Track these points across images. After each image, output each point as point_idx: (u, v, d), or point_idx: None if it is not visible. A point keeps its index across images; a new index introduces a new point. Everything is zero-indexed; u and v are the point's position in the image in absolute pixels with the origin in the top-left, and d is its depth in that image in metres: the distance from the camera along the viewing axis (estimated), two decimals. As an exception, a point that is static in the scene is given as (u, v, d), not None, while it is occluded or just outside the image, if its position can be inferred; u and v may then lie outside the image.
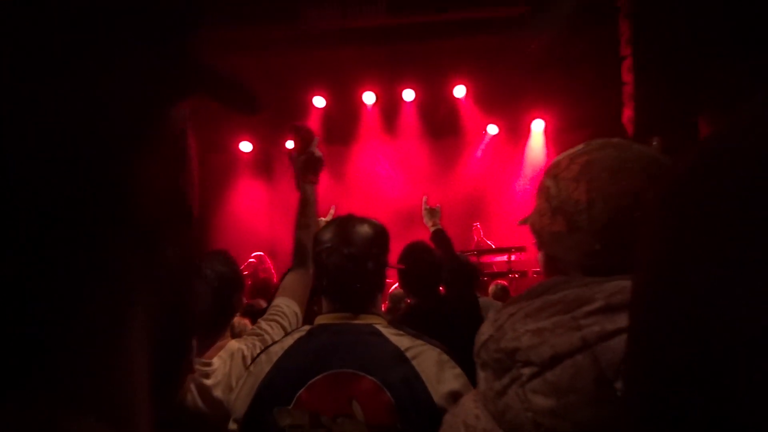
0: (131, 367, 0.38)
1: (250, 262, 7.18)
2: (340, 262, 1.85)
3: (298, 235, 2.52)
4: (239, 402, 1.84)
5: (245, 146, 9.49)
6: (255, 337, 2.26)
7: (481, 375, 0.92)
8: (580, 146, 1.01)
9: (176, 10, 0.39)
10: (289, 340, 1.87)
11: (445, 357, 1.76)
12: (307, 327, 1.92)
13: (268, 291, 5.22)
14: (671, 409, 0.47)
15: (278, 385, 1.77)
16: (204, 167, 8.62)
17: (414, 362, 1.71)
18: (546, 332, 0.83)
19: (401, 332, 1.83)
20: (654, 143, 7.54)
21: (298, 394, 1.74)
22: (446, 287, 3.57)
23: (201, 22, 0.42)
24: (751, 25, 5.60)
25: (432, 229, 3.63)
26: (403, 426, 1.61)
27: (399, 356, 1.73)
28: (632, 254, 0.81)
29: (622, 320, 0.80)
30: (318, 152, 2.59)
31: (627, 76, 7.00)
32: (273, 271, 6.43)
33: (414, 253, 3.39)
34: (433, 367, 1.69)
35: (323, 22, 7.65)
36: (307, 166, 2.58)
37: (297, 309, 2.22)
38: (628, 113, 7.09)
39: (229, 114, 8.79)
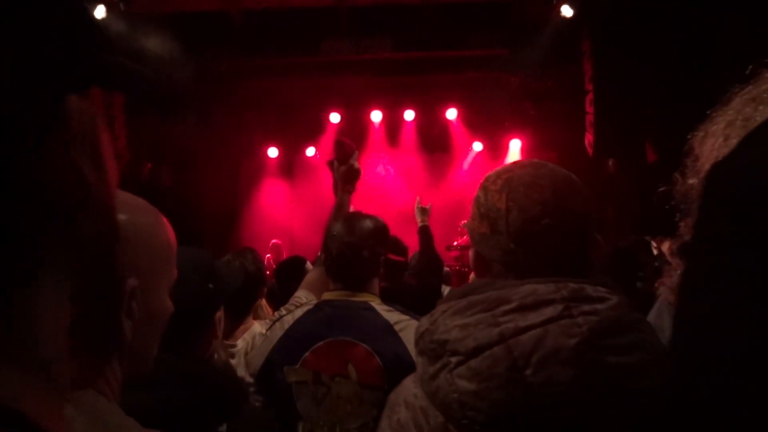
0: (42, 319, 0.36)
1: (274, 244, 7.24)
2: (341, 249, 1.89)
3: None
4: (255, 360, 1.89)
5: (272, 152, 9.55)
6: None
7: (419, 360, 0.92)
8: (509, 164, 1.02)
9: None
10: (299, 312, 1.92)
11: None
12: (314, 301, 1.97)
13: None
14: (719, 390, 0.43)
15: (288, 348, 1.83)
16: (239, 169, 8.65)
17: (401, 334, 1.77)
18: (470, 327, 0.84)
19: (392, 309, 1.89)
20: (610, 163, 7.61)
21: (304, 356, 1.79)
22: (417, 275, 3.55)
23: (88, 16, 0.37)
24: (690, 71, 5.67)
25: (420, 224, 3.61)
26: (390, 387, 1.57)
27: (388, 329, 1.79)
28: (540, 253, 0.89)
29: (532, 318, 0.81)
30: (357, 165, 2.51)
31: (589, 108, 7.08)
32: None
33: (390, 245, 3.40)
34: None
35: (339, 55, 7.75)
36: (346, 177, 2.48)
37: (314, 300, 2.28)
38: (589, 138, 7.17)
39: (260, 126, 8.81)
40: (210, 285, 1.33)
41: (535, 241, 0.91)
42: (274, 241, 7.48)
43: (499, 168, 1.01)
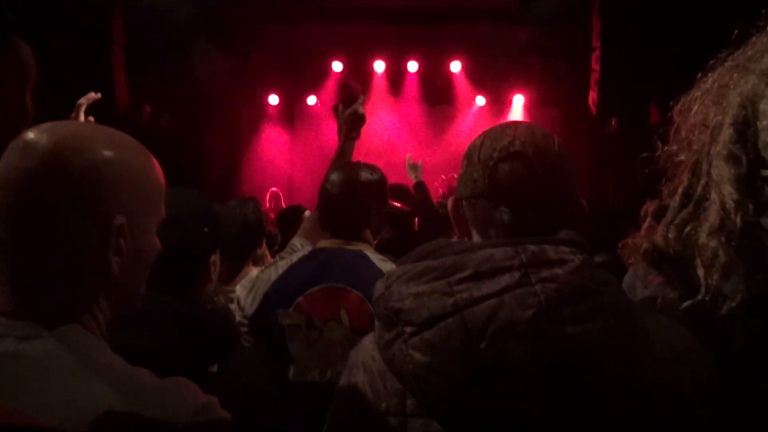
0: None
1: (273, 192, 7.24)
2: (336, 198, 1.92)
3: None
4: (249, 303, 1.91)
5: (273, 99, 9.45)
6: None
7: (377, 323, 0.89)
8: None
9: None
10: (294, 258, 1.94)
11: None
12: (310, 248, 1.98)
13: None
14: None
15: (282, 292, 1.85)
16: (238, 116, 8.60)
17: None
18: (424, 296, 0.80)
19: (385, 258, 1.91)
20: (612, 122, 7.55)
21: (297, 301, 1.82)
22: (421, 228, 3.59)
23: None
24: (697, 29, 5.56)
25: (414, 181, 3.63)
26: None
27: (381, 277, 1.81)
28: (507, 180, 0.90)
29: (487, 287, 0.78)
30: (362, 110, 2.40)
31: (595, 65, 6.98)
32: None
33: (394, 192, 3.39)
34: None
35: (345, 1, 7.58)
36: (351, 122, 2.38)
37: (310, 248, 2.30)
38: (593, 96, 7.10)
39: (262, 72, 8.70)
40: (205, 229, 1.33)
41: (501, 167, 0.91)
42: (272, 189, 7.48)
43: None
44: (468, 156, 0.98)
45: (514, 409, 0.76)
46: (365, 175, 1.97)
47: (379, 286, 0.89)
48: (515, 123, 0.98)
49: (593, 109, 7.03)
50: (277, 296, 1.86)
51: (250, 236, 2.56)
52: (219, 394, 1.13)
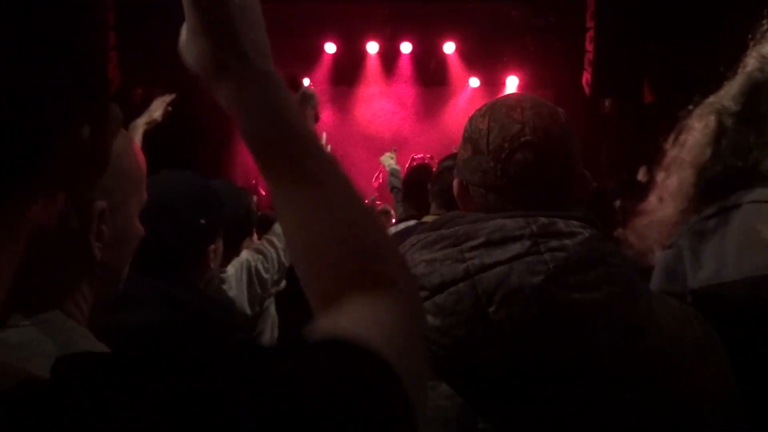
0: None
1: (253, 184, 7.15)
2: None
3: None
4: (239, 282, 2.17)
5: (266, 81, 9.38)
6: (255, 252, 2.49)
7: None
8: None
9: None
10: None
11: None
12: None
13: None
14: None
15: None
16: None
17: None
18: (437, 263, 0.83)
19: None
20: (606, 103, 7.54)
21: None
22: None
23: None
24: (690, 11, 5.55)
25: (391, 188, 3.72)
26: None
27: None
28: (519, 172, 0.91)
29: (498, 254, 0.80)
30: (313, 112, 2.57)
31: (589, 46, 6.94)
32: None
33: (420, 173, 3.41)
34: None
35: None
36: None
37: None
38: (586, 77, 7.08)
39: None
40: (202, 220, 1.32)
41: (513, 158, 0.90)
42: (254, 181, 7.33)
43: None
44: (473, 141, 0.95)
45: (520, 371, 0.78)
46: None
47: None
48: (520, 102, 0.94)
49: (587, 89, 7.02)
50: None
51: (240, 229, 2.60)
52: None
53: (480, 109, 0.99)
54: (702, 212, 1.13)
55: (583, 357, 0.78)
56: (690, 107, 1.20)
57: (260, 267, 2.50)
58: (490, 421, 0.81)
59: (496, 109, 0.95)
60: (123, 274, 0.89)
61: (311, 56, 8.94)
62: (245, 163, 8.64)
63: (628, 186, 3.87)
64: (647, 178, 3.96)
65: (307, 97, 2.70)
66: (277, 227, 2.30)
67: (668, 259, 1.14)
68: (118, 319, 1.05)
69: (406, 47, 8.99)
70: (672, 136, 1.23)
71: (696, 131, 1.16)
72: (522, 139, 0.90)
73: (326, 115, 9.64)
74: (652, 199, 1.24)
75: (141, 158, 0.90)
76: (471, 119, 0.99)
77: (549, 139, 0.90)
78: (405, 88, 9.42)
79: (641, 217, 1.25)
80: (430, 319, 0.81)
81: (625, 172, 4.26)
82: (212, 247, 1.42)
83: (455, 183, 1.02)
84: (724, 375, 0.84)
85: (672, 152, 1.22)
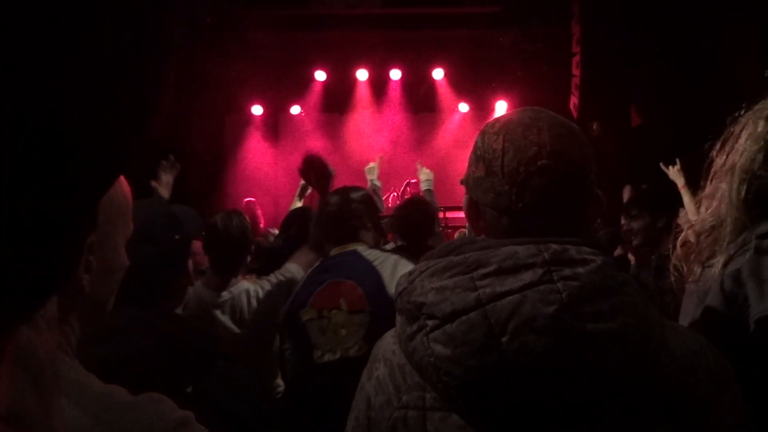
0: None
1: (247, 202, 6.93)
2: (332, 214, 2.42)
3: (314, 231, 2.74)
4: (283, 311, 2.36)
5: (257, 109, 9.44)
6: (260, 283, 2.67)
7: (398, 318, 0.90)
8: (509, 111, 0.99)
9: None
10: (309, 270, 2.42)
11: (401, 261, 2.21)
12: (320, 259, 2.43)
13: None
14: None
15: (300, 296, 2.31)
16: (223, 126, 8.52)
17: (378, 268, 2.22)
18: (447, 291, 0.81)
19: (373, 250, 2.33)
20: (594, 126, 7.62)
21: (310, 299, 2.25)
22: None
23: None
24: (676, 34, 5.65)
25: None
26: (371, 309, 2.13)
27: (368, 265, 2.24)
28: (534, 196, 0.87)
29: (510, 283, 0.79)
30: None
31: (576, 70, 7.04)
32: (261, 218, 6.39)
33: (413, 204, 3.46)
34: (389, 268, 2.16)
35: (328, 9, 7.60)
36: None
37: (302, 273, 2.59)
38: (574, 101, 7.16)
39: (246, 81, 8.67)
40: (176, 236, 1.32)
41: (530, 183, 0.86)
42: (247, 199, 7.28)
43: (499, 115, 0.98)
44: (487, 161, 0.91)
45: (533, 402, 0.76)
46: (349, 196, 2.46)
47: (402, 281, 0.89)
48: (537, 122, 0.90)
49: (575, 113, 7.10)
50: (297, 301, 2.31)
51: (236, 249, 2.61)
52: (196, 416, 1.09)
53: (493, 126, 0.94)
54: (756, 228, 1.06)
55: (597, 388, 0.76)
56: (736, 114, 1.13)
57: (258, 296, 2.60)
58: None
59: (511, 128, 0.91)
60: (109, 304, 0.88)
61: (302, 84, 9.01)
62: (236, 193, 8.64)
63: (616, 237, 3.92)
64: (631, 196, 4.00)
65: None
66: (290, 266, 2.63)
67: (727, 283, 1.07)
68: (101, 350, 1.03)
69: (395, 74, 9.08)
70: (717, 145, 1.17)
71: (744, 138, 1.10)
72: (539, 162, 0.86)
73: (317, 142, 9.69)
74: (701, 211, 1.17)
75: (127, 190, 0.89)
76: (483, 135, 0.94)
77: (567, 163, 0.87)
78: (395, 114, 9.49)
79: (688, 232, 1.19)
80: (440, 348, 0.79)
81: (614, 193, 4.30)
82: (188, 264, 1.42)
83: (465, 199, 0.98)
84: (737, 406, 0.83)
85: (718, 161, 1.15)
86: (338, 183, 3.72)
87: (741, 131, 1.11)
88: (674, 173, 3.36)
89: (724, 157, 1.14)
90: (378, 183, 3.82)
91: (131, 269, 1.13)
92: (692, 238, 1.17)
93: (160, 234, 1.27)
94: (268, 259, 3.07)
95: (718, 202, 1.13)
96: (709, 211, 1.14)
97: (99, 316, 0.87)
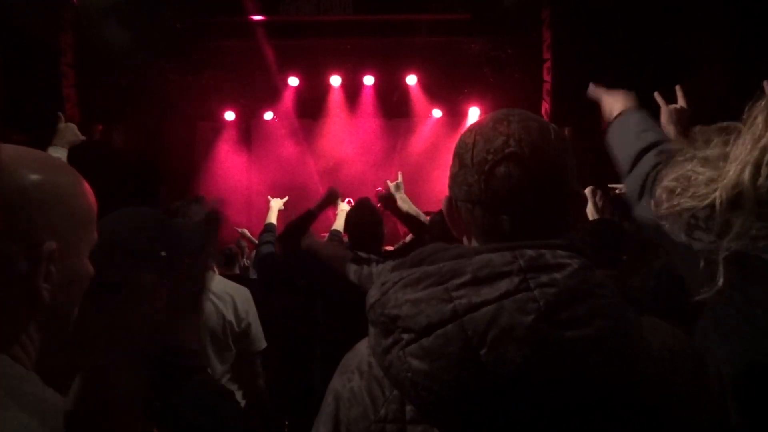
0: None
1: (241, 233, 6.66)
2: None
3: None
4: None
5: (229, 115, 9.37)
6: None
7: (372, 331, 0.87)
8: None
9: None
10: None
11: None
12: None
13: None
14: None
15: None
16: (195, 132, 8.45)
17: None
18: (422, 303, 0.79)
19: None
20: (566, 131, 7.70)
21: None
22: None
23: None
24: (644, 40, 5.75)
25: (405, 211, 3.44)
26: None
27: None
28: (503, 185, 0.86)
29: (486, 293, 0.77)
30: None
31: (547, 76, 7.12)
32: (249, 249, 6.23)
33: (360, 210, 3.25)
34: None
35: (299, 15, 7.59)
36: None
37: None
38: (545, 106, 7.24)
39: (217, 88, 8.60)
40: (162, 253, 1.28)
41: (496, 170, 0.86)
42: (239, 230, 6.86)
43: None
44: (460, 155, 0.92)
45: (515, 413, 0.75)
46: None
47: (374, 293, 0.86)
48: (508, 116, 0.90)
49: (546, 118, 7.18)
50: None
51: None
52: (173, 427, 1.06)
53: (470, 125, 0.96)
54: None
55: (578, 395, 0.75)
56: (750, 104, 1.07)
57: None
58: None
59: (483, 123, 0.92)
60: (73, 315, 0.86)
61: (275, 90, 8.96)
62: (208, 192, 8.57)
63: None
64: (596, 197, 4.01)
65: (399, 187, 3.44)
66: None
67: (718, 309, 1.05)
68: (70, 361, 1.01)
69: (368, 80, 9.08)
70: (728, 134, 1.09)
71: (756, 127, 1.03)
72: (506, 150, 0.86)
73: (289, 148, 9.65)
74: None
75: (92, 198, 0.87)
76: (461, 135, 0.95)
77: (535, 151, 0.86)
78: (368, 120, 9.50)
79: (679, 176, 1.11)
80: (417, 363, 0.77)
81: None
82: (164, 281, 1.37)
83: (445, 201, 0.97)
84: (716, 407, 0.82)
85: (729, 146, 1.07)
86: (310, 189, 3.71)
87: (755, 119, 1.05)
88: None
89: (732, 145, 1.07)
90: (338, 230, 3.63)
91: (106, 276, 1.11)
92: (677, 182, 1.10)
93: (143, 248, 1.24)
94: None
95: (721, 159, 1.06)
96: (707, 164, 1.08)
97: (62, 327, 0.84)
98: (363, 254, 2.66)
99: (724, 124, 1.10)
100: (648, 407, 0.78)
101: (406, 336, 0.79)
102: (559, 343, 0.74)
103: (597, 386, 0.75)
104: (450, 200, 0.96)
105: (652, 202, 1.17)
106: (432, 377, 0.76)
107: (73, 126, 2.58)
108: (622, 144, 1.49)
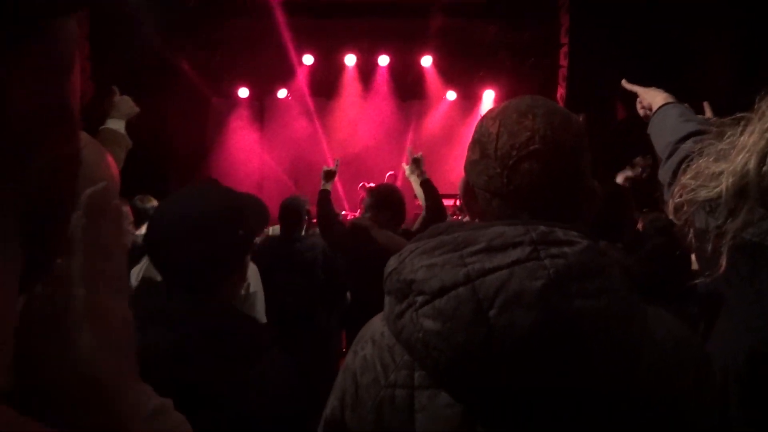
0: None
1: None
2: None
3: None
4: None
5: (243, 92, 9.37)
6: None
7: (387, 299, 0.91)
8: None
9: None
10: None
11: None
12: None
13: None
14: None
15: None
16: (208, 109, 8.46)
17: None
18: (437, 267, 0.82)
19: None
20: (580, 118, 7.63)
21: None
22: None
23: None
24: (663, 27, 5.68)
25: (421, 179, 3.51)
26: None
27: None
28: (525, 179, 0.89)
29: (498, 260, 0.80)
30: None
31: (563, 61, 7.05)
32: None
33: (385, 192, 3.34)
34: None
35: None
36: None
37: None
38: (561, 91, 7.18)
39: (231, 65, 8.57)
40: (240, 231, 1.28)
41: (520, 166, 0.89)
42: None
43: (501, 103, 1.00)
44: (482, 144, 0.94)
45: (520, 378, 0.77)
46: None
47: (392, 262, 0.90)
48: (533, 109, 0.92)
49: (561, 104, 7.10)
50: None
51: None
52: (243, 404, 1.08)
53: (492, 111, 0.97)
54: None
55: (582, 366, 0.77)
56: (761, 94, 1.09)
57: None
58: (490, 430, 0.80)
59: (507, 113, 0.93)
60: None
61: (290, 68, 8.94)
62: (220, 176, 8.59)
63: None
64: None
65: (417, 161, 3.45)
66: None
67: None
68: (152, 336, 1.04)
69: (383, 60, 9.04)
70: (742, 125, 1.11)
71: (765, 118, 1.05)
72: (531, 147, 0.89)
73: (302, 126, 9.64)
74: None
75: (115, 171, 0.88)
76: (482, 120, 0.97)
77: (558, 149, 0.89)
78: (382, 100, 9.46)
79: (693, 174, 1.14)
80: (429, 323, 0.80)
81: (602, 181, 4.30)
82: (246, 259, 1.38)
83: (462, 182, 1.00)
84: (716, 397, 0.85)
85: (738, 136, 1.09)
86: (320, 167, 3.70)
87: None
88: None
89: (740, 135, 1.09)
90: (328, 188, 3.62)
91: (186, 261, 1.13)
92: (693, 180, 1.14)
93: (221, 229, 1.24)
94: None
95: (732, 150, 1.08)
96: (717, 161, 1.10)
97: None
98: None
99: (739, 115, 1.11)
100: (652, 395, 0.80)
101: (420, 298, 0.82)
102: (566, 310, 0.76)
103: (601, 359, 0.77)
104: (468, 185, 0.99)
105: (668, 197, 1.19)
106: (443, 337, 0.79)
107: (128, 98, 2.61)
108: (663, 134, 1.52)
